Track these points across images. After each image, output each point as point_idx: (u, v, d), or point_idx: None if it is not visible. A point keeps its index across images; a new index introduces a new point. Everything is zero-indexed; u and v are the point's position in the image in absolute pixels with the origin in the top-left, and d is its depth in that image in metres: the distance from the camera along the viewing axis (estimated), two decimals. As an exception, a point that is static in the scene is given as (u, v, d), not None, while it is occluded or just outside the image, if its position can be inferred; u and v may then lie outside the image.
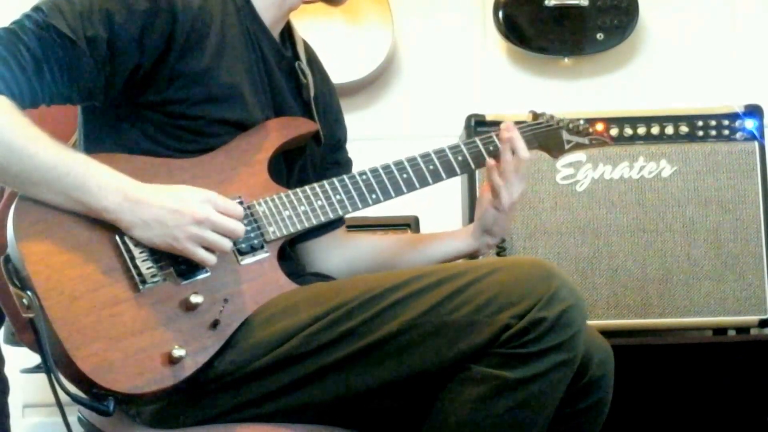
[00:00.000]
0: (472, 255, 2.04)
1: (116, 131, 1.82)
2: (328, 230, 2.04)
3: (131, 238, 1.69)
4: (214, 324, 1.70)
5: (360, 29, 3.15)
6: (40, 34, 1.70)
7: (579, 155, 2.66)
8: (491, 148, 1.96)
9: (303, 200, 1.84)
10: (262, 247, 1.79)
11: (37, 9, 1.73)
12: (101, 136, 1.84)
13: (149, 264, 1.68)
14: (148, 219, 1.67)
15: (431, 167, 1.93)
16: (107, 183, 1.67)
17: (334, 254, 2.08)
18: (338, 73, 2.86)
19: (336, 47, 3.09)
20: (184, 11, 1.78)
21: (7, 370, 2.49)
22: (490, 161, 1.95)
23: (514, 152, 1.94)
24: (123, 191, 1.67)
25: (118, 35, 1.74)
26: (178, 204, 1.68)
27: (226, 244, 1.71)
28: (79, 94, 1.76)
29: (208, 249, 1.70)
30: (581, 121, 2.12)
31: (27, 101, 1.70)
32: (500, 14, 3.17)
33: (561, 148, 2.08)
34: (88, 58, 1.73)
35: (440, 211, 2.89)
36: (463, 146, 1.96)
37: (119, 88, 1.78)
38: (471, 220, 2.15)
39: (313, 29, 2.81)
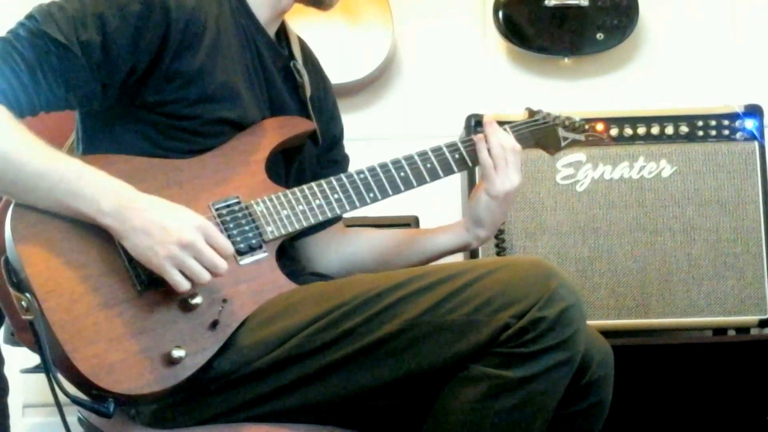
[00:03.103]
0: (465, 249, 2.04)
1: (113, 133, 1.82)
2: (325, 227, 2.04)
3: (130, 239, 1.69)
4: (214, 324, 1.70)
5: (360, 29, 3.15)
6: (34, 42, 1.70)
7: (579, 155, 2.66)
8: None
9: (301, 199, 1.84)
10: (261, 246, 1.79)
11: (30, 17, 1.73)
12: (98, 138, 1.84)
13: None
14: (137, 227, 1.65)
15: (428, 165, 1.93)
16: (102, 189, 1.66)
17: (330, 251, 2.08)
18: (338, 73, 2.87)
19: (336, 47, 3.09)
20: (178, 11, 1.78)
21: (7, 370, 2.49)
22: (479, 136, 1.95)
23: (501, 145, 1.94)
24: (117, 198, 1.66)
25: (111, 38, 1.74)
26: (169, 221, 1.66)
27: (204, 276, 1.67)
28: (76, 100, 1.76)
29: (185, 274, 1.67)
30: (577, 118, 2.12)
31: (25, 109, 1.70)
32: (500, 14, 3.17)
33: (557, 145, 2.08)
34: (82, 63, 1.73)
35: (440, 211, 2.88)
36: (460, 144, 1.96)
37: (116, 90, 1.78)
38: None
39: (313, 29, 2.81)
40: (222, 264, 1.68)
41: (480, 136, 1.96)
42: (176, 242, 1.65)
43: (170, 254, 1.65)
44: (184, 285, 1.66)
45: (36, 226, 1.66)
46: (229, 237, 1.75)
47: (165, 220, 1.66)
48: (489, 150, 1.94)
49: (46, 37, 1.71)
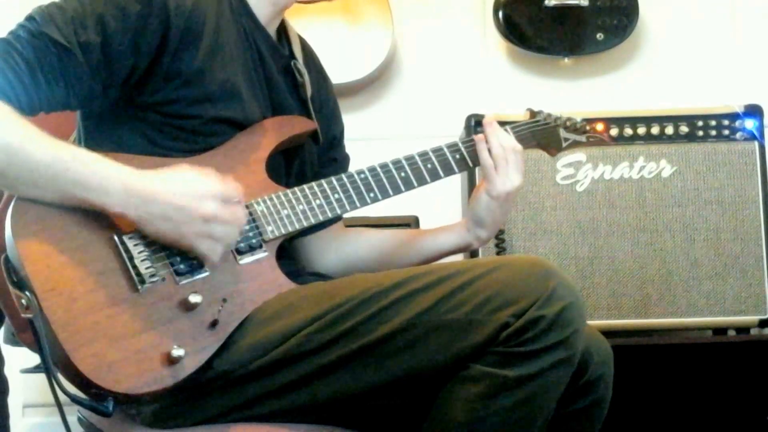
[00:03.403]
0: (466, 250, 2.04)
1: (114, 132, 1.82)
2: (324, 227, 2.04)
3: (130, 238, 1.69)
4: (213, 324, 1.70)
5: (360, 29, 3.15)
6: (34, 43, 1.70)
7: (579, 155, 2.66)
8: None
9: (301, 199, 1.84)
10: (261, 246, 1.79)
11: (30, 18, 1.74)
12: (99, 137, 1.84)
13: (148, 264, 1.68)
14: (154, 215, 1.67)
15: (429, 166, 1.94)
16: (108, 177, 1.66)
17: (330, 250, 2.08)
18: (338, 73, 2.87)
19: (336, 47, 3.09)
20: (177, 12, 1.78)
21: (7, 370, 2.49)
22: (479, 136, 1.96)
23: (501, 145, 1.94)
24: (124, 185, 1.66)
25: (111, 39, 1.74)
26: (182, 200, 1.67)
27: (235, 237, 1.72)
28: (76, 100, 1.76)
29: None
30: (578, 119, 2.12)
31: (25, 109, 1.70)
32: (500, 14, 3.17)
33: (558, 146, 2.09)
34: (82, 64, 1.73)
35: (440, 211, 2.89)
36: (461, 144, 1.97)
37: (116, 91, 1.78)
38: (471, 218, 2.14)
39: (313, 29, 2.82)
40: (243, 216, 1.72)
41: (480, 136, 1.96)
42: (199, 218, 1.67)
43: (198, 232, 1.68)
44: (218, 253, 1.70)
45: (36, 224, 1.66)
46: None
47: (177, 199, 1.67)
48: (489, 150, 1.94)
49: (46, 38, 1.71)
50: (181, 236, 1.68)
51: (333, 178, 1.88)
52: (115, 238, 1.69)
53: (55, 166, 1.65)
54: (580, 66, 3.29)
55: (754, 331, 2.69)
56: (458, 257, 2.22)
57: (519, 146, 1.96)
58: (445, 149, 1.96)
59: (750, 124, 2.67)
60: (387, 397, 1.73)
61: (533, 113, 2.08)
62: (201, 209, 1.68)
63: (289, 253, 1.95)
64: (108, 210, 1.67)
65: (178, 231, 1.68)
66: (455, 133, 2.70)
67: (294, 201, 1.84)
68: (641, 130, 2.69)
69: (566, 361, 1.65)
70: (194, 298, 1.68)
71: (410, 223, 2.79)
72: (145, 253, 1.69)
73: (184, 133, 1.81)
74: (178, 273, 1.71)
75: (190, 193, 1.68)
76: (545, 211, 2.68)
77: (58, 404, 1.69)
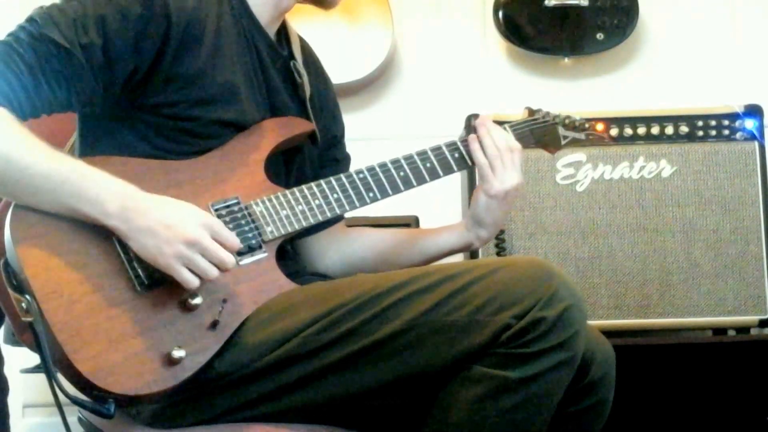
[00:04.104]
0: (467, 249, 2.04)
1: (113, 134, 1.82)
2: (325, 227, 2.05)
3: (129, 240, 1.69)
4: (214, 324, 1.70)
5: (360, 29, 3.15)
6: (35, 45, 1.70)
7: (579, 155, 2.66)
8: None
9: (300, 199, 1.84)
10: (260, 247, 1.79)
11: (31, 20, 1.73)
12: (98, 139, 1.84)
13: (147, 265, 1.68)
14: (142, 228, 1.66)
15: (428, 165, 1.94)
16: (105, 190, 1.66)
17: (331, 251, 2.08)
18: (338, 73, 2.86)
19: (336, 47, 3.09)
20: (178, 14, 1.78)
21: (7, 370, 2.49)
22: (472, 136, 1.95)
23: (495, 145, 1.94)
24: (121, 199, 1.66)
25: (112, 41, 1.74)
26: (173, 220, 1.66)
27: (212, 272, 1.67)
28: (77, 101, 1.76)
29: (193, 271, 1.67)
30: (577, 117, 2.12)
31: (27, 112, 1.70)
32: (500, 14, 3.17)
33: (557, 143, 2.08)
34: (83, 66, 1.73)
35: (440, 211, 2.89)
36: (459, 143, 1.97)
37: (117, 92, 1.78)
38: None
39: (313, 29, 2.81)
40: (229, 259, 1.69)
41: (473, 136, 1.96)
42: (182, 241, 1.65)
43: (177, 253, 1.65)
44: (193, 282, 1.67)
45: (36, 227, 1.66)
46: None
47: (169, 218, 1.66)
48: (483, 150, 1.94)
49: (47, 39, 1.71)
50: (161, 254, 1.65)
51: (332, 179, 1.88)
52: (115, 240, 1.68)
53: (53, 178, 1.65)
54: (580, 66, 3.29)
55: (754, 331, 2.69)
56: (459, 257, 2.22)
57: (516, 145, 1.96)
58: (444, 148, 1.96)
59: (750, 124, 2.67)
60: (388, 398, 1.73)
61: (532, 111, 2.08)
62: (187, 231, 1.66)
63: (290, 254, 1.95)
64: (102, 222, 1.66)
65: (159, 248, 1.65)
66: (455, 133, 2.70)
67: (293, 201, 1.84)
68: (641, 130, 2.69)
69: (567, 363, 1.65)
70: (194, 299, 1.68)
71: (410, 223, 2.79)
72: (144, 255, 1.69)
73: (184, 135, 1.81)
74: (177, 274, 1.71)
75: (183, 216, 1.67)
76: (545, 211, 2.68)
77: (59, 406, 1.69)
